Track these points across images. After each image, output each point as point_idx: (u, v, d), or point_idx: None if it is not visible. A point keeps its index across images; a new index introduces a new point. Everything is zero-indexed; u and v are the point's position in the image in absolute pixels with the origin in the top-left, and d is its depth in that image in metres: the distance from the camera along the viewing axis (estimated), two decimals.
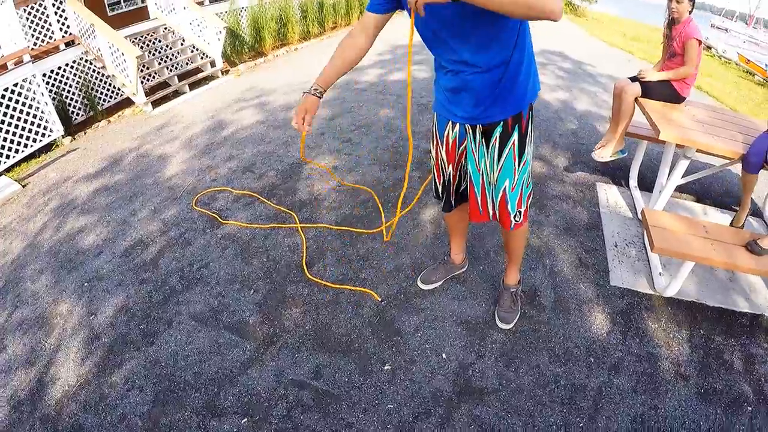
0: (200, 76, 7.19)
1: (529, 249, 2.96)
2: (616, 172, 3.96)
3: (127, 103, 6.48)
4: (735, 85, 9.31)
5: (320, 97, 1.82)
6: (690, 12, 3.11)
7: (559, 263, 2.88)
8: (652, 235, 2.37)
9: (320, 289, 2.70)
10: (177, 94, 6.78)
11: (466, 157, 1.97)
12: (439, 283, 2.67)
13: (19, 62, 4.99)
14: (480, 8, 1.35)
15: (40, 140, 5.20)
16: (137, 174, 4.25)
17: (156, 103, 6.35)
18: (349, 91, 6.06)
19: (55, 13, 5.97)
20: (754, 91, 9.20)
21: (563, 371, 2.21)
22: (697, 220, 2.68)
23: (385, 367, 2.22)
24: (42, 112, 5.20)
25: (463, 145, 1.95)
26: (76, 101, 6.04)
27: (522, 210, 2.00)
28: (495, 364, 2.24)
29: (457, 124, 1.91)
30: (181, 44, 7.58)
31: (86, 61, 6.21)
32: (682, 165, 2.92)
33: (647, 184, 3.72)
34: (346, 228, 3.19)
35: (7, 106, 4.88)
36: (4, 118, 4.82)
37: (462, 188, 2.14)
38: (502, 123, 1.79)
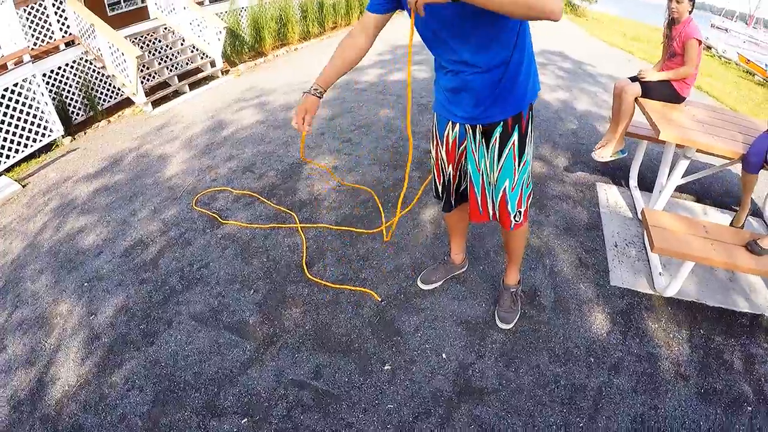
0: (200, 76, 7.20)
1: (529, 249, 2.96)
2: (616, 172, 3.96)
3: (127, 103, 6.48)
4: (735, 85, 9.31)
5: (320, 97, 1.82)
6: (690, 12, 3.11)
7: (559, 263, 2.88)
8: (652, 235, 2.37)
9: (320, 289, 2.70)
10: (177, 94, 6.78)
11: (466, 157, 1.97)
12: (439, 283, 2.67)
13: (19, 62, 4.99)
14: (480, 8, 1.35)
15: (40, 140, 5.20)
16: (137, 174, 4.25)
17: (156, 103, 6.35)
18: (349, 91, 6.06)
19: (55, 13, 5.97)
20: (754, 91, 9.20)
21: (563, 371, 2.21)
22: (697, 220, 2.68)
23: (385, 367, 2.22)
24: (42, 112, 5.20)
25: (463, 145, 1.95)
26: (76, 101, 6.04)
27: (522, 210, 2.00)
28: (495, 364, 2.24)
29: (457, 124, 1.91)
30: (181, 44, 7.58)
31: (86, 61, 6.21)
32: (682, 165, 2.92)
33: (647, 184, 3.72)
34: (346, 228, 3.19)
35: (7, 106, 4.88)
36: (4, 118, 4.82)
37: (462, 188, 2.14)
38: (502, 123, 1.79)
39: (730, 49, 14.58)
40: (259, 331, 2.44)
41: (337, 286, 2.70)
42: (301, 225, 3.24)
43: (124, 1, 7.83)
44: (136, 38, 6.95)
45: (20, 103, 4.99)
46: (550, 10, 1.28)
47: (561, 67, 7.67)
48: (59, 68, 5.83)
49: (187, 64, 7.27)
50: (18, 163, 4.96)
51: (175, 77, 6.92)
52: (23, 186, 4.40)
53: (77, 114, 6.07)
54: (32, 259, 3.21)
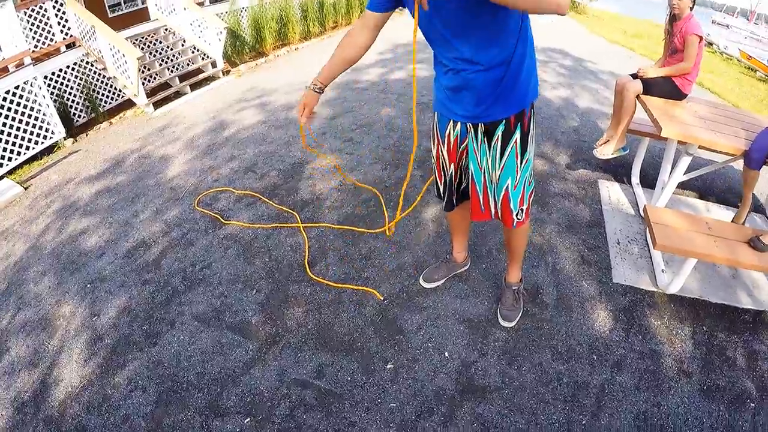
0: (201, 76, 7.20)
1: (531, 247, 2.96)
2: (618, 169, 3.95)
3: (129, 104, 6.49)
4: (737, 81, 9.28)
5: (319, 93, 1.90)
6: (691, 8, 3.11)
7: (561, 261, 2.88)
8: (654, 232, 2.36)
9: (322, 289, 2.70)
10: (178, 95, 6.79)
11: (467, 156, 1.97)
12: (442, 281, 2.67)
13: (20, 65, 5.01)
14: (482, 5, 1.34)
15: (42, 142, 5.21)
16: (139, 175, 4.26)
17: (157, 104, 6.35)
18: (350, 91, 6.06)
19: (56, 15, 5.98)
20: (756, 87, 9.17)
21: (566, 369, 2.21)
22: (700, 216, 2.67)
23: (388, 366, 2.22)
24: (43, 114, 5.21)
25: (465, 143, 1.94)
26: (78, 103, 6.05)
27: (524, 208, 2.00)
28: (498, 362, 2.24)
29: (459, 123, 1.90)
30: (182, 45, 7.59)
31: (87, 62, 6.22)
32: (684, 162, 2.91)
33: (649, 181, 3.71)
34: (348, 227, 3.19)
35: (9, 109, 4.89)
36: (5, 121, 4.83)
37: (463, 186, 2.13)
38: (504, 121, 1.79)
39: (732, 45, 14.53)
40: (261, 330, 2.45)
41: (340, 285, 2.70)
42: (303, 224, 3.24)
43: (124, 3, 7.85)
44: (136, 39, 6.96)
45: (22, 105, 5.00)
46: (557, 3, 1.29)
47: (562, 64, 7.65)
48: (60, 70, 5.84)
49: (188, 64, 7.28)
50: (20, 166, 4.98)
51: (176, 78, 6.92)
52: (25, 188, 4.41)
53: (79, 116, 6.09)
54: (35, 261, 3.22)
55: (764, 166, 2.72)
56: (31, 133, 5.09)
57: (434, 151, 2.10)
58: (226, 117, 5.52)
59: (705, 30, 3.47)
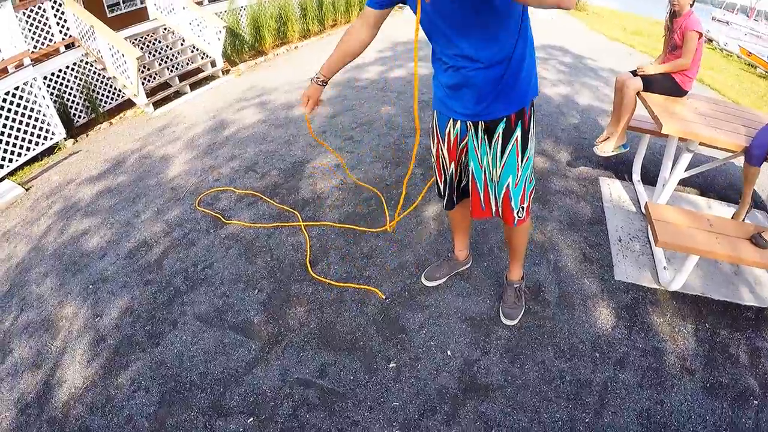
0: (201, 76, 7.19)
1: (532, 244, 2.96)
2: (619, 167, 3.95)
3: (129, 104, 6.49)
4: (737, 77, 9.27)
5: (323, 86, 1.96)
6: (691, 5, 3.10)
7: (563, 258, 2.88)
8: (656, 229, 2.36)
9: (324, 288, 2.70)
10: (178, 94, 6.78)
11: (467, 154, 1.97)
12: (443, 279, 2.67)
13: (19, 65, 5.00)
14: (482, 1, 1.34)
15: (43, 143, 5.21)
16: (140, 175, 4.26)
17: (157, 104, 6.35)
18: (350, 89, 6.06)
19: (55, 15, 5.96)
20: (756, 84, 9.16)
21: (568, 367, 2.21)
22: (701, 213, 2.67)
23: (390, 365, 2.23)
24: (44, 115, 5.21)
25: (464, 141, 1.94)
26: (78, 103, 6.05)
27: (525, 206, 2.00)
28: (500, 360, 2.24)
29: (458, 121, 1.90)
30: (181, 44, 7.58)
31: (87, 63, 6.21)
32: (685, 158, 2.91)
33: (650, 178, 3.71)
34: (350, 226, 3.19)
35: (9, 110, 4.89)
36: (6, 122, 4.83)
37: (463, 184, 2.13)
38: (505, 119, 1.78)
39: (732, 41, 14.50)
40: (263, 330, 2.45)
41: (342, 284, 2.71)
42: (305, 223, 3.24)
43: (123, 2, 7.84)
44: (136, 39, 6.95)
45: (22, 106, 5.00)
46: None
47: (562, 61, 7.64)
48: (60, 71, 5.83)
49: (187, 64, 7.27)
50: (21, 167, 4.98)
51: (176, 78, 6.92)
52: (26, 189, 4.41)
53: (79, 116, 6.08)
54: (37, 263, 3.22)
55: (765, 163, 2.72)
56: (32, 134, 5.09)
57: (434, 150, 2.09)
58: (226, 116, 5.52)
59: (705, 27, 3.47)
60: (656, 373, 2.18)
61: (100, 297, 2.80)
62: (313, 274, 2.78)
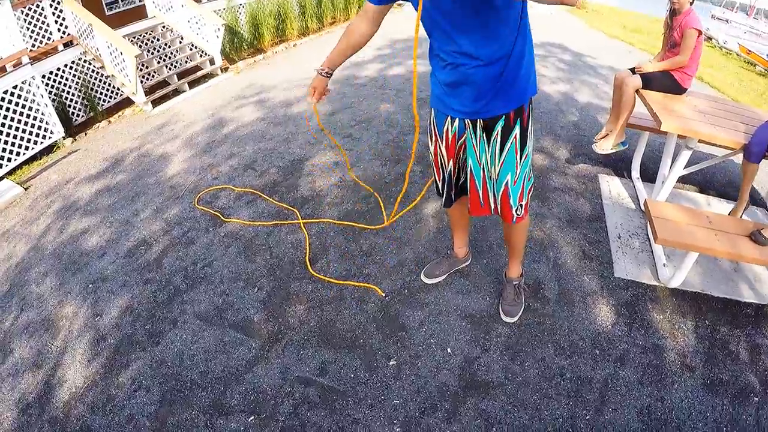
0: (199, 74, 7.18)
1: (532, 241, 2.96)
2: (618, 164, 3.95)
3: (127, 102, 6.48)
4: (736, 75, 9.25)
5: (327, 77, 2.00)
6: (691, 3, 3.10)
7: (562, 255, 2.88)
8: (655, 226, 2.36)
9: (324, 286, 2.70)
10: (177, 92, 6.77)
11: (465, 151, 1.96)
12: (443, 277, 2.67)
13: (17, 64, 4.99)
14: (482, 0, 1.33)
15: (41, 142, 5.20)
16: (139, 174, 4.25)
17: (156, 102, 6.34)
18: (349, 87, 6.05)
19: (53, 13, 5.96)
20: (755, 82, 9.15)
21: (569, 364, 2.21)
22: (701, 210, 2.68)
23: (391, 363, 2.23)
24: (42, 113, 5.20)
25: (463, 138, 1.94)
26: (76, 102, 6.04)
27: (524, 203, 2.00)
28: (500, 357, 2.24)
29: (456, 119, 1.90)
30: (180, 42, 7.56)
31: (85, 61, 6.20)
32: (684, 156, 2.91)
33: (649, 175, 3.71)
34: (349, 223, 3.19)
35: (7, 109, 4.88)
36: (4, 121, 4.82)
37: (461, 182, 2.13)
38: (504, 117, 1.78)
39: (731, 39, 14.48)
40: (264, 328, 2.45)
41: (341, 282, 2.71)
42: (304, 221, 3.24)
43: (121, 0, 7.81)
44: (134, 37, 6.94)
45: (20, 105, 4.99)
46: None
47: (561, 59, 7.63)
48: (58, 69, 5.82)
49: (186, 62, 7.26)
50: (19, 166, 4.97)
51: (175, 76, 6.91)
52: (25, 189, 4.40)
53: (77, 115, 6.07)
54: (36, 262, 3.22)
55: (764, 160, 2.72)
56: (30, 133, 5.08)
57: (432, 148, 2.09)
58: (225, 114, 5.51)
59: (704, 25, 3.46)
60: (656, 370, 2.19)
61: (99, 296, 2.80)
62: (313, 272, 2.78)
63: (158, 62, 6.92)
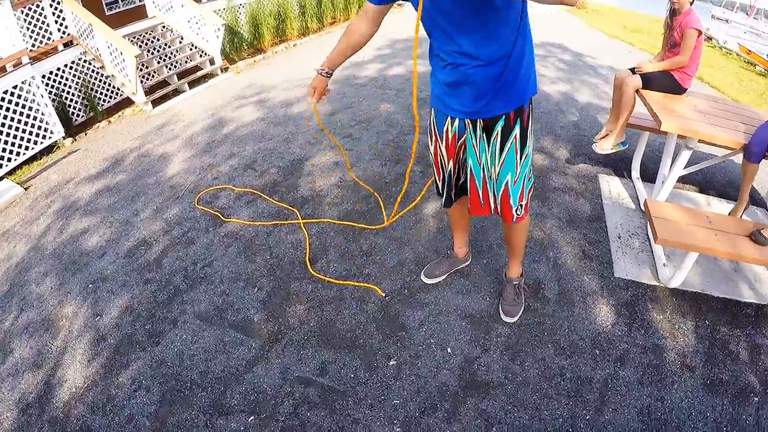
0: (199, 74, 7.18)
1: (532, 241, 2.96)
2: (618, 164, 3.95)
3: (127, 102, 6.48)
4: (736, 75, 9.25)
5: (327, 77, 2.00)
6: (691, 3, 3.10)
7: (562, 255, 2.88)
8: (655, 226, 2.36)
9: (324, 286, 2.70)
10: (177, 92, 6.77)
11: (465, 151, 1.96)
12: (443, 277, 2.67)
13: (17, 64, 4.99)
14: (482, 1, 1.33)
15: (41, 142, 5.20)
16: (139, 174, 4.25)
17: (156, 102, 6.34)
18: (349, 87, 6.05)
19: (53, 13, 5.95)
20: (755, 82, 9.15)
21: (569, 364, 2.21)
22: (701, 210, 2.68)
23: (391, 363, 2.23)
24: (42, 113, 5.20)
25: (462, 138, 1.94)
26: (76, 102, 6.04)
27: (523, 203, 2.00)
28: (500, 357, 2.24)
29: (456, 119, 1.90)
30: (180, 42, 7.56)
31: (85, 61, 6.20)
32: (684, 156, 2.91)
33: (649, 175, 3.71)
34: (349, 223, 3.19)
35: (7, 109, 4.88)
36: (4, 121, 4.82)
37: (461, 182, 2.13)
38: (504, 117, 1.78)
39: (731, 39, 14.47)
40: (263, 328, 2.45)
41: (341, 282, 2.71)
42: (304, 221, 3.24)
43: (121, 0, 7.81)
44: (134, 37, 6.94)
45: (20, 105, 4.99)
46: None
47: (561, 59, 7.63)
48: (58, 69, 5.82)
49: (186, 62, 7.26)
50: (19, 166, 4.97)
51: (175, 76, 6.91)
52: (25, 189, 4.40)
53: (77, 115, 6.07)
54: (36, 262, 3.22)
55: (764, 160, 2.72)
56: (30, 133, 5.08)
57: (432, 148, 2.09)
58: (225, 114, 5.51)
59: (704, 25, 3.46)
60: (656, 370, 2.19)
61: (99, 296, 2.80)
62: (313, 272, 2.78)
63: (158, 62, 6.92)
